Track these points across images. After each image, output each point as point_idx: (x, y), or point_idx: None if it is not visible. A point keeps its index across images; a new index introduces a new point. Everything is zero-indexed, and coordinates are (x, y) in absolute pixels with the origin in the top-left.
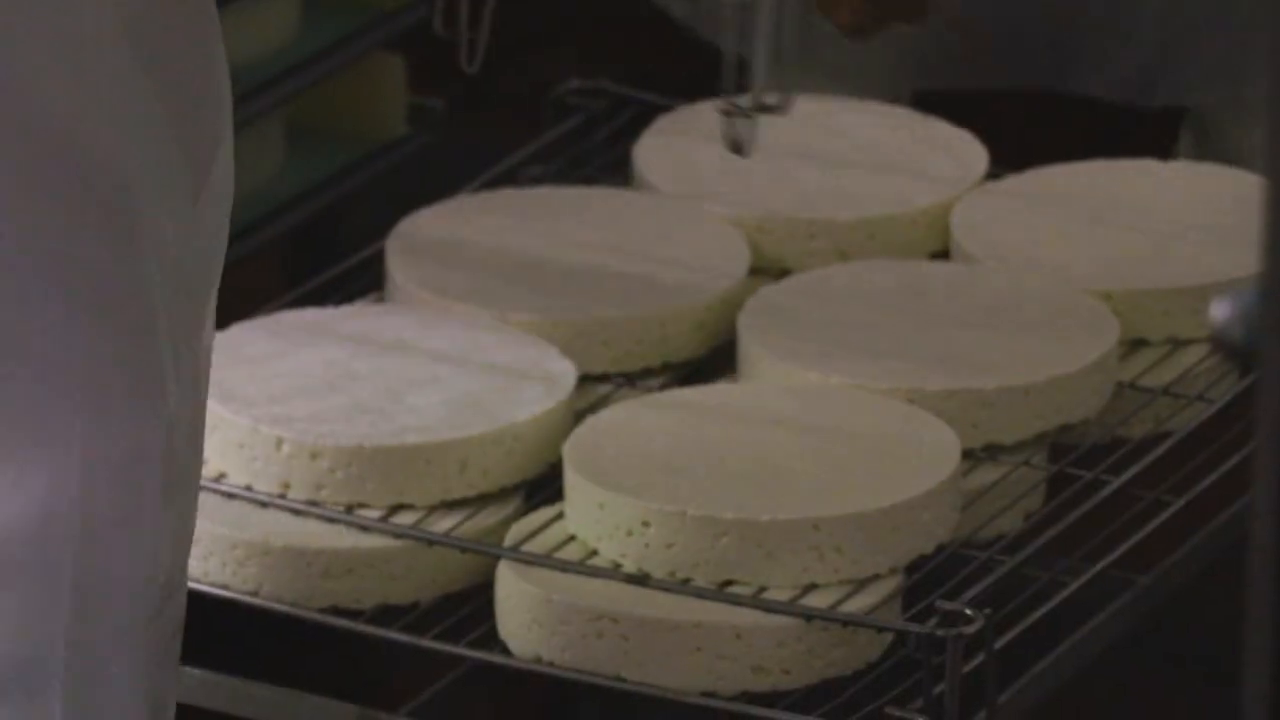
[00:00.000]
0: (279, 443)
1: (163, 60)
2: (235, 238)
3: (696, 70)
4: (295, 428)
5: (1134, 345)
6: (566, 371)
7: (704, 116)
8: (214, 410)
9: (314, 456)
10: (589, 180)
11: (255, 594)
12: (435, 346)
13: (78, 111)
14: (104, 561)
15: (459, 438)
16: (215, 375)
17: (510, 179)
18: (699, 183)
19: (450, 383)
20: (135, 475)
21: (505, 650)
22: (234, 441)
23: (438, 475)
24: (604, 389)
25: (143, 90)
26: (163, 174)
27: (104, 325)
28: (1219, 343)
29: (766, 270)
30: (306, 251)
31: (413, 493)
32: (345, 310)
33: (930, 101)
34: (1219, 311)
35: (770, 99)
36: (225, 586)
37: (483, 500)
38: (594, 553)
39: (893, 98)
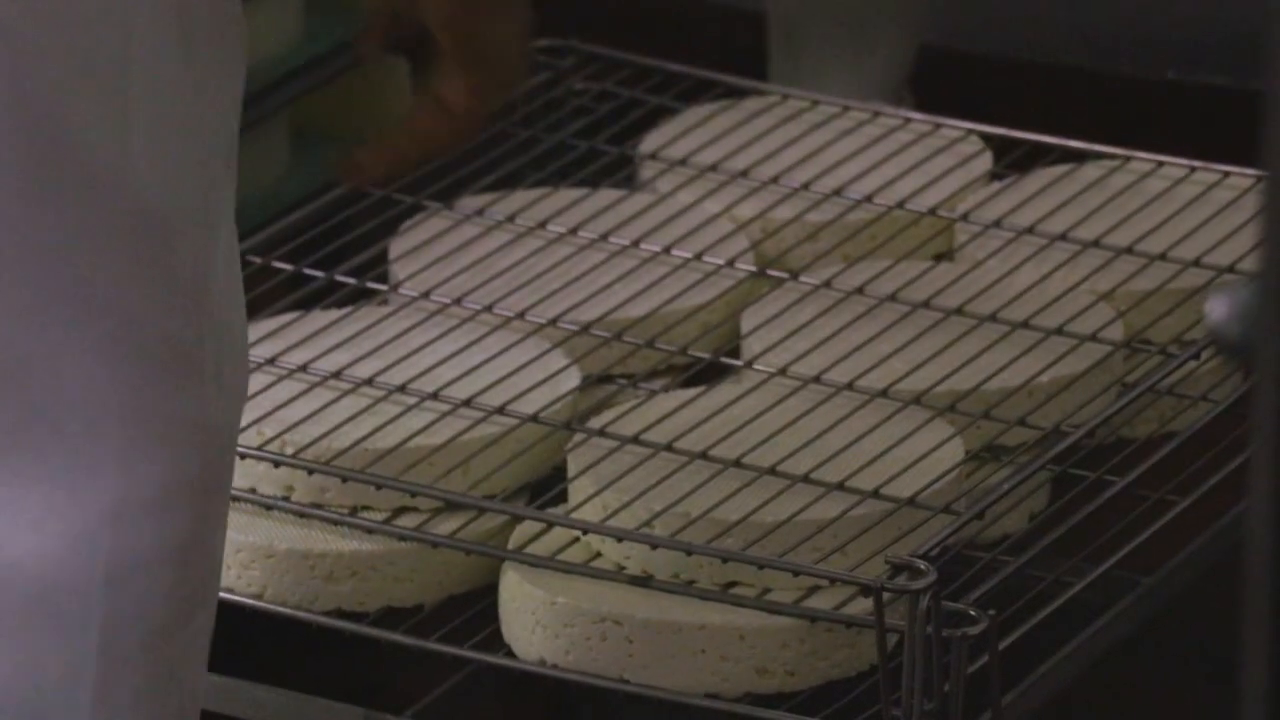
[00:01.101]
0: (282, 446)
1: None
2: (240, 239)
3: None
4: (299, 431)
5: (1138, 345)
6: (570, 373)
7: (707, 117)
8: None
9: (317, 460)
10: (592, 181)
11: (259, 597)
12: (438, 349)
13: (117, 144)
14: (132, 599)
15: (462, 440)
16: None
17: (514, 180)
18: (703, 184)
19: (453, 385)
20: (169, 511)
21: (509, 653)
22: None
23: (441, 478)
24: (608, 390)
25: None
26: (192, 216)
27: (144, 366)
28: (1216, 341)
29: (771, 272)
30: (310, 254)
31: (417, 495)
32: (348, 313)
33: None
34: (1215, 309)
35: None
36: (230, 590)
37: (487, 502)
38: (598, 555)
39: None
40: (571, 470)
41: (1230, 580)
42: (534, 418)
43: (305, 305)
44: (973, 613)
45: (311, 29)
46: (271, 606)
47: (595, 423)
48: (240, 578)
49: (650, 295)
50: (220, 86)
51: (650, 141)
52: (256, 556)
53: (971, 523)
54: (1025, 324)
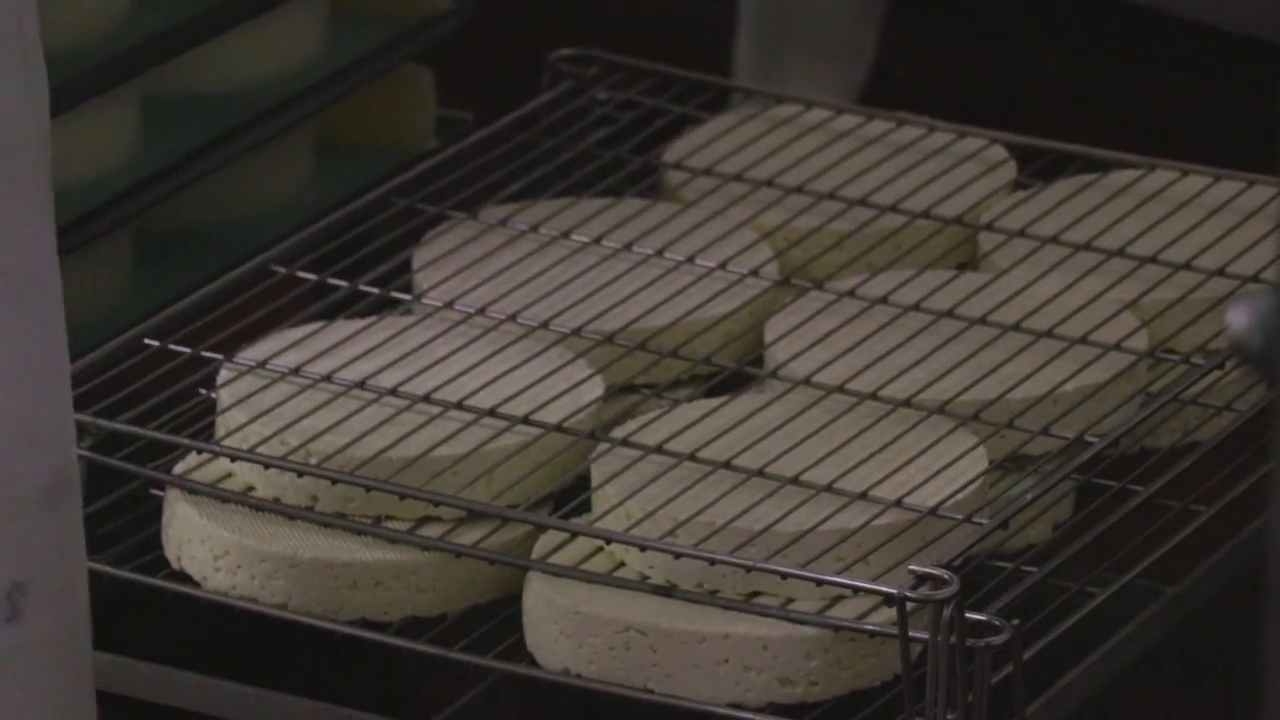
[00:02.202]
0: (306, 456)
1: None
2: (263, 250)
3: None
4: (322, 441)
5: (1162, 355)
6: (594, 383)
7: (731, 125)
8: (241, 422)
9: (341, 469)
10: (616, 190)
11: (284, 607)
12: (462, 358)
13: None
14: None
15: (486, 450)
16: (243, 388)
17: (537, 190)
18: (726, 193)
19: (477, 394)
20: None
21: (533, 662)
22: (262, 454)
23: (465, 487)
24: (631, 400)
25: None
26: None
27: None
28: (1237, 350)
29: (794, 281)
30: (333, 264)
31: (440, 505)
32: (372, 322)
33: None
34: (1236, 319)
35: None
36: (254, 599)
37: (510, 512)
38: (621, 564)
39: None
40: (595, 480)
41: (1256, 590)
42: (558, 427)
43: (329, 315)
44: (996, 623)
45: (335, 40)
46: (295, 616)
47: (619, 432)
48: (264, 588)
49: (674, 305)
50: None
51: (674, 150)
52: (280, 566)
53: (995, 533)
54: (1049, 333)
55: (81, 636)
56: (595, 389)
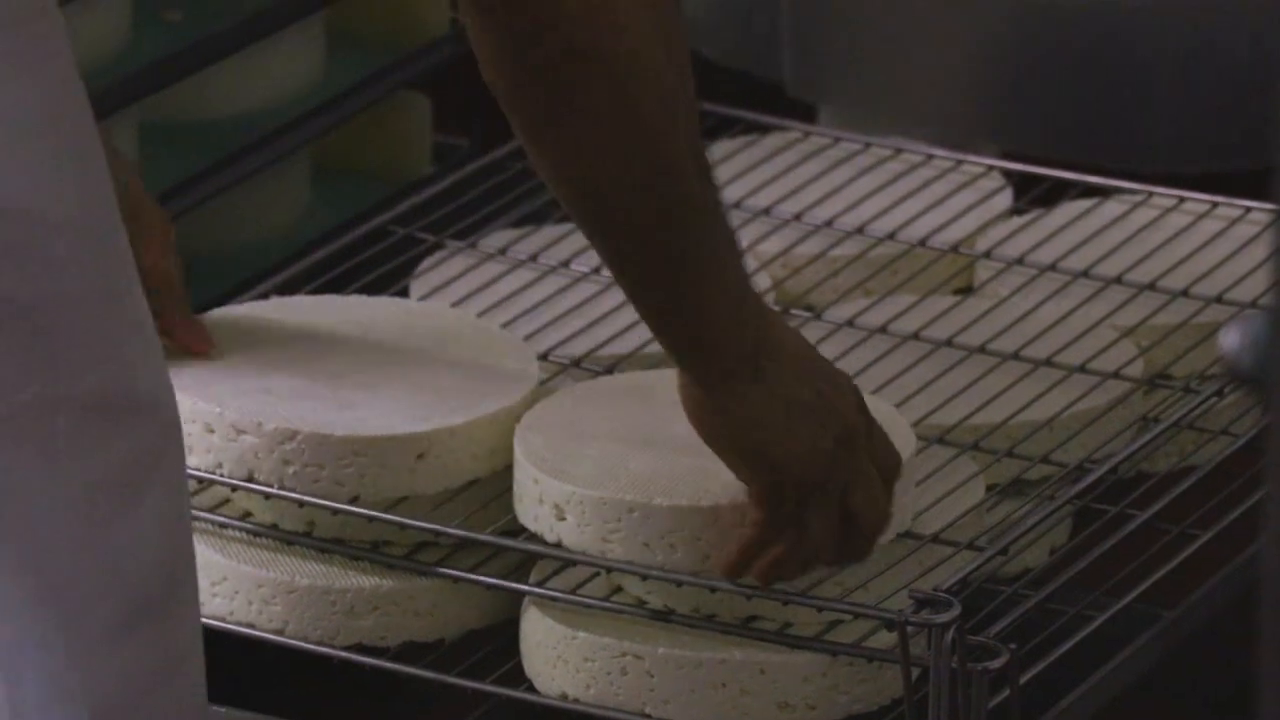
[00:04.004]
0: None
1: None
2: (262, 277)
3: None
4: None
5: (1159, 382)
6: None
7: (729, 153)
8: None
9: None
10: None
11: (281, 632)
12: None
13: None
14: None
15: (485, 478)
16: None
17: (537, 218)
18: None
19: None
20: None
21: (530, 687)
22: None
23: (468, 516)
24: None
25: None
26: None
27: None
28: (1229, 371)
29: (790, 306)
30: (332, 291)
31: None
32: None
33: None
34: (1229, 340)
35: None
36: (251, 625)
37: (508, 535)
38: (619, 589)
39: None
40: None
41: (1253, 614)
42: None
43: None
44: (994, 646)
45: (332, 67)
46: (293, 642)
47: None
48: (262, 613)
49: None
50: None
51: None
52: (278, 591)
53: (994, 558)
54: (1048, 361)
55: None
56: None
